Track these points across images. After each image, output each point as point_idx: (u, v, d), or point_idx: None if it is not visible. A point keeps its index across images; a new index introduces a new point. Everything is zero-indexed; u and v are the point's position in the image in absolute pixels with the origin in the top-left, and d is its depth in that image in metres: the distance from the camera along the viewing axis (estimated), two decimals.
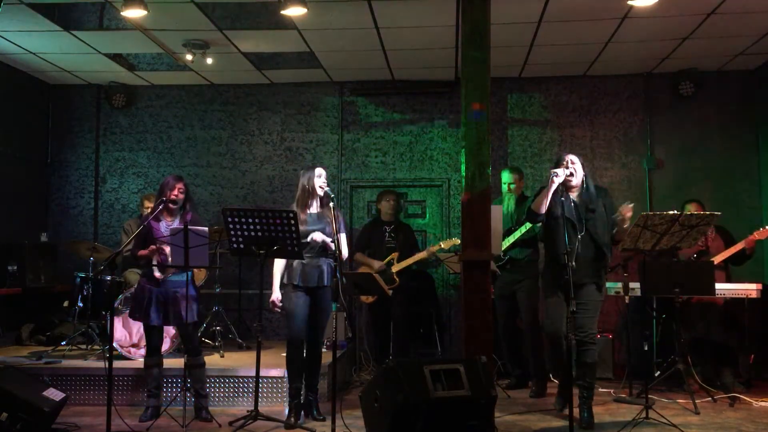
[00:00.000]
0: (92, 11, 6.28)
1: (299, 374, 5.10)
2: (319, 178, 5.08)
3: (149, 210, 5.80)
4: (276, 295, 5.14)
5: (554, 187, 4.78)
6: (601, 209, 4.96)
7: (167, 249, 4.94)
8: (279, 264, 5.16)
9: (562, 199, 4.75)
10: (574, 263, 4.64)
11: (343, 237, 5.10)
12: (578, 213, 4.89)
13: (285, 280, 5.11)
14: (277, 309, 5.19)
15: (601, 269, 4.99)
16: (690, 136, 7.73)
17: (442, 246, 6.69)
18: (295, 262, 5.04)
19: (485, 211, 4.92)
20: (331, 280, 5.08)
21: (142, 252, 5.03)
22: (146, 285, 5.05)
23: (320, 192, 5.08)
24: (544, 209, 4.86)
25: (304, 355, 5.17)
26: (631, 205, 4.92)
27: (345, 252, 5.15)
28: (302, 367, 5.12)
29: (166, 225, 5.04)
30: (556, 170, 4.80)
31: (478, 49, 4.99)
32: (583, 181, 4.96)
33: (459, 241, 6.77)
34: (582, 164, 4.97)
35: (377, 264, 6.71)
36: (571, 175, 4.87)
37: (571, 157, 4.95)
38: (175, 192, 5.03)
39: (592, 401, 4.98)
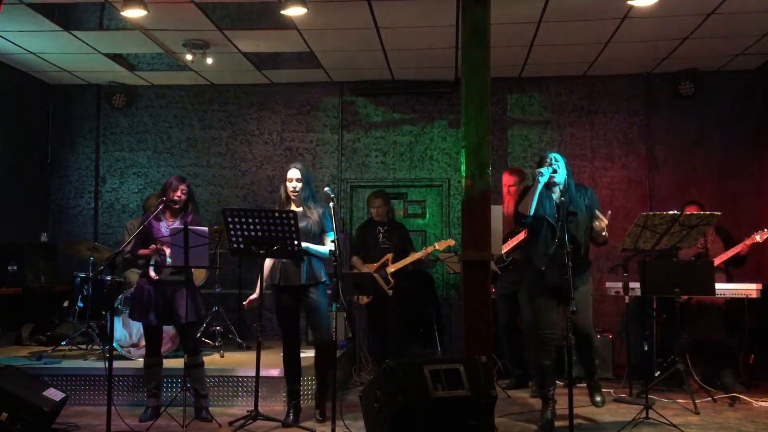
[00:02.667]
0: (92, 11, 6.28)
1: (293, 375, 5.09)
2: (290, 183, 5.00)
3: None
4: (254, 295, 5.09)
5: (539, 186, 4.73)
6: (583, 210, 4.84)
7: (167, 250, 4.93)
8: (266, 264, 5.04)
9: (544, 201, 4.73)
10: (544, 268, 4.69)
11: (330, 236, 4.98)
12: (559, 214, 4.76)
13: (269, 281, 5.06)
14: (247, 305, 5.16)
15: (580, 268, 4.79)
16: (690, 136, 7.74)
17: (437, 247, 6.68)
18: (277, 262, 4.99)
19: (485, 211, 4.92)
20: (312, 277, 4.97)
21: (142, 251, 5.03)
22: (145, 285, 5.04)
23: (292, 196, 5.01)
24: (532, 210, 4.76)
25: (302, 356, 5.15)
26: (609, 213, 4.89)
27: (324, 250, 4.95)
28: (296, 368, 5.11)
29: (167, 225, 5.03)
30: (540, 169, 4.75)
31: (478, 49, 4.99)
32: (565, 180, 4.85)
33: (453, 242, 6.80)
34: (566, 163, 4.89)
35: (370, 270, 6.69)
36: (554, 172, 4.79)
37: (554, 155, 4.87)
38: (178, 193, 5.02)
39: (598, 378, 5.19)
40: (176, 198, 5.01)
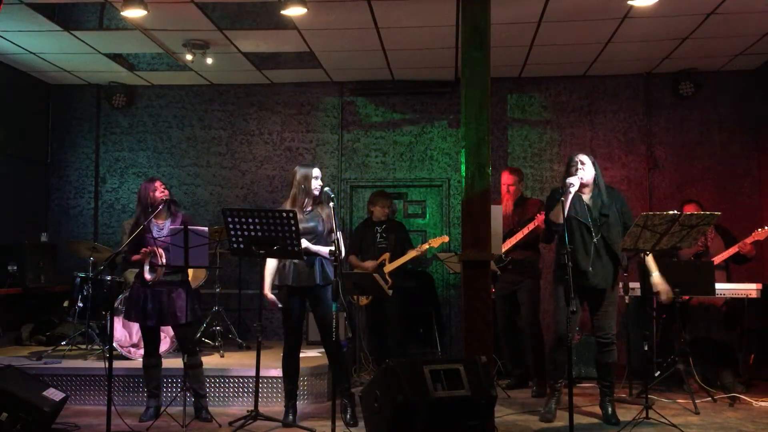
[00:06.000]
0: (92, 11, 6.29)
1: (292, 376, 5.10)
2: (316, 180, 5.05)
3: None
4: (271, 296, 5.06)
5: (570, 197, 4.77)
6: (615, 213, 4.98)
7: (161, 251, 4.90)
8: (270, 264, 5.06)
9: (575, 202, 4.77)
10: (591, 268, 4.79)
11: (339, 235, 5.02)
12: (592, 216, 4.93)
13: (277, 282, 5.04)
14: (278, 306, 5.09)
15: (616, 273, 5.03)
16: (690, 136, 7.74)
17: (431, 244, 6.69)
18: (287, 263, 5.00)
19: (485, 211, 4.92)
20: (325, 278, 5.01)
21: (136, 257, 5.00)
22: (141, 286, 5.03)
23: (315, 192, 5.06)
24: (562, 219, 4.82)
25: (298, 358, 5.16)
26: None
27: (325, 250, 4.97)
28: (295, 369, 5.11)
29: (158, 227, 5.02)
30: (570, 180, 4.79)
31: (478, 49, 4.98)
32: (594, 180, 5.00)
33: (447, 239, 6.83)
34: (593, 163, 5.01)
35: (369, 266, 6.70)
36: (582, 177, 4.92)
37: (581, 157, 4.98)
38: (160, 189, 5.01)
39: (614, 396, 5.12)
40: (165, 197, 4.99)
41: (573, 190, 4.79)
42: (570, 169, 4.95)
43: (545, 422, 4.99)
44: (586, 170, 4.95)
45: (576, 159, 4.98)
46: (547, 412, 5.06)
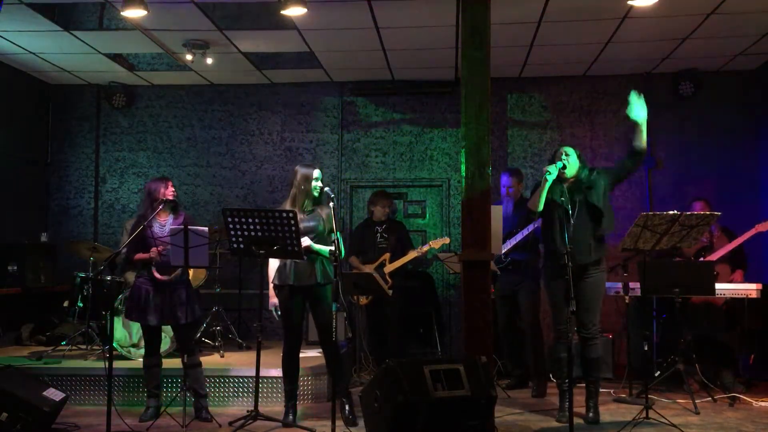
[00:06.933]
0: (92, 11, 6.29)
1: (292, 376, 5.09)
2: (316, 181, 5.04)
3: None
4: (274, 300, 5.07)
5: (547, 185, 4.81)
6: (600, 182, 4.92)
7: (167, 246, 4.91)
8: (273, 265, 5.08)
9: (555, 190, 4.76)
10: (568, 248, 4.59)
11: (335, 236, 5.02)
12: (571, 196, 4.83)
13: (277, 281, 5.03)
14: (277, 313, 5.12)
15: (599, 252, 4.91)
16: (690, 136, 7.73)
17: (432, 245, 6.69)
18: (288, 262, 4.99)
19: (485, 211, 4.92)
20: (326, 277, 5.01)
21: (141, 255, 4.99)
22: (142, 285, 5.03)
23: (315, 193, 5.05)
24: (540, 207, 4.86)
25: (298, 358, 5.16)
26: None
27: (326, 249, 5.01)
28: (296, 368, 5.11)
29: (160, 225, 5.03)
30: (548, 167, 4.83)
31: (478, 49, 4.98)
32: (578, 172, 4.96)
33: (448, 240, 6.84)
34: (579, 156, 4.98)
35: (369, 270, 6.70)
36: (564, 167, 4.89)
37: (566, 149, 4.98)
38: (170, 190, 5.03)
39: (598, 396, 5.05)
40: (172, 197, 5.01)
41: (550, 177, 4.79)
42: (555, 157, 4.95)
43: (561, 424, 4.94)
44: (570, 162, 4.92)
45: (561, 150, 4.98)
46: (562, 418, 4.96)
